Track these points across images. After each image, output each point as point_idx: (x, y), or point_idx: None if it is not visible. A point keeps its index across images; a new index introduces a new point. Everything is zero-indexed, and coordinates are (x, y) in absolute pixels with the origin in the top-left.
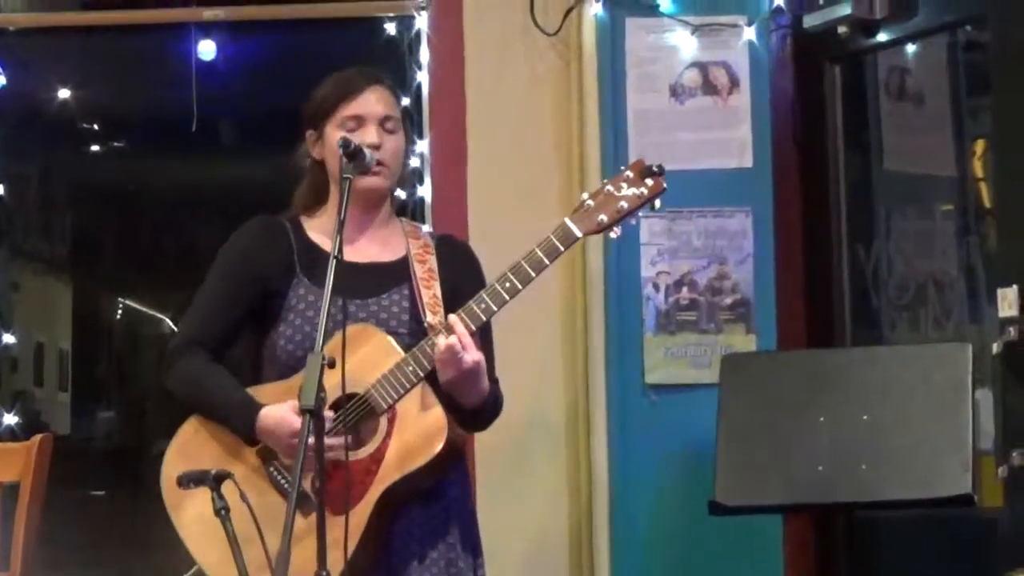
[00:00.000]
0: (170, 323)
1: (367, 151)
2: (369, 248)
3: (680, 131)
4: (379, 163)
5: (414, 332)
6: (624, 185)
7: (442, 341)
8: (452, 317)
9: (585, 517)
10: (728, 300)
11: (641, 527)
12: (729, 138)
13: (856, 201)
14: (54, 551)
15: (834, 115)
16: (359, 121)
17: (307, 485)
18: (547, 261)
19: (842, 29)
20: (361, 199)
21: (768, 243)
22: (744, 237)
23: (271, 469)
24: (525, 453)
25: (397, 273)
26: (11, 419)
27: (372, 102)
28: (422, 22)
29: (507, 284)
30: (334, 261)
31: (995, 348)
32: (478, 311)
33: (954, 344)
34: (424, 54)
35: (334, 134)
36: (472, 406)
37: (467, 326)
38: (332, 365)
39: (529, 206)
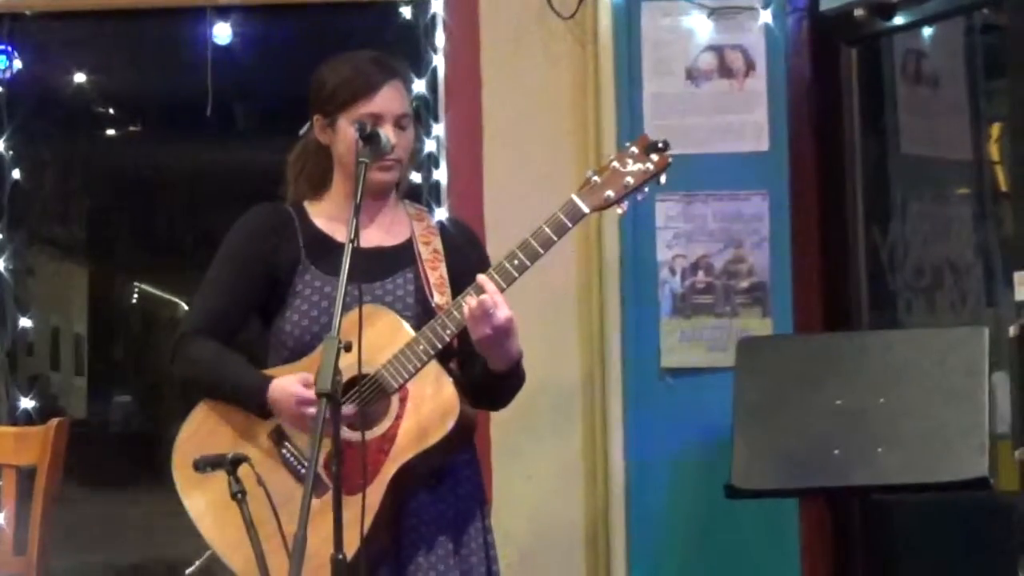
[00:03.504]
0: (186, 307)
1: (383, 134)
2: (374, 233)
3: (696, 114)
4: (393, 160)
5: (419, 315)
6: (630, 161)
7: (472, 300)
8: (481, 277)
9: (601, 500)
10: (744, 283)
11: (657, 511)
12: (745, 121)
13: (872, 184)
14: (70, 535)
15: (850, 98)
16: (376, 119)
17: (321, 467)
18: (555, 238)
19: (858, 12)
20: (370, 190)
21: (784, 226)
22: (760, 220)
23: (284, 451)
24: (540, 437)
25: (402, 256)
26: (28, 403)
27: (389, 100)
28: (438, 5)
29: (515, 261)
30: (351, 246)
31: (1012, 331)
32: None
33: (970, 328)
34: (440, 38)
35: (348, 129)
36: (503, 369)
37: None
38: (348, 348)
39: (545, 189)
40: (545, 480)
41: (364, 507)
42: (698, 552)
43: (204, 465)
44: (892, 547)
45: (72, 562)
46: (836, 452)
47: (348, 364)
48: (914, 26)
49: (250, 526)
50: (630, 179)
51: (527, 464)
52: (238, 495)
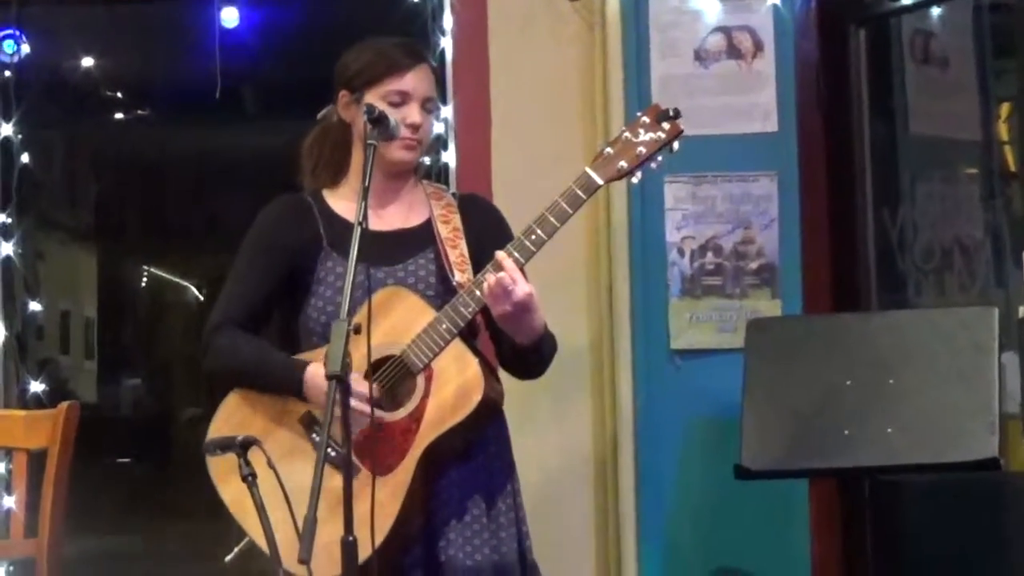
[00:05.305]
0: (195, 291)
1: (391, 118)
2: (393, 215)
3: (704, 96)
4: (416, 140)
5: (442, 294)
6: (641, 131)
7: (491, 278)
8: (500, 253)
9: (611, 481)
10: (753, 265)
11: (667, 492)
12: (754, 102)
13: (881, 165)
14: (81, 518)
15: (859, 79)
16: (404, 97)
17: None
18: (571, 211)
19: None
20: (388, 169)
21: (793, 207)
22: (769, 201)
23: (315, 436)
24: (550, 420)
25: (422, 237)
26: (38, 387)
27: (419, 80)
28: None
29: (533, 236)
30: (359, 227)
31: (1021, 311)
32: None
33: (980, 307)
34: (448, 20)
35: (375, 103)
36: (528, 342)
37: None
38: (358, 331)
39: (553, 171)
40: (555, 462)
41: (374, 493)
42: (708, 532)
43: (214, 448)
44: (901, 527)
45: (82, 545)
46: (845, 432)
47: (378, 345)
48: (922, 6)
49: (260, 509)
50: (642, 148)
51: (537, 446)
52: (248, 478)
